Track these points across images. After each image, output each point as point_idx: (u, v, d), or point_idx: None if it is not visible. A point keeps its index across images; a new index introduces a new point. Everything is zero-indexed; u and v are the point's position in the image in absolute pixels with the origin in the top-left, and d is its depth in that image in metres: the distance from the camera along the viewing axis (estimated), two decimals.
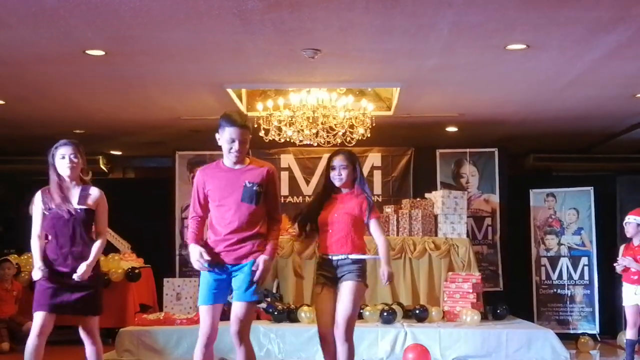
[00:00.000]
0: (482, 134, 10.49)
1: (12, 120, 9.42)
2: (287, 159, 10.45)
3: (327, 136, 8.42)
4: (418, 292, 8.95)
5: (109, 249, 9.65)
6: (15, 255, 9.54)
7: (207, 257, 4.43)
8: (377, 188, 10.39)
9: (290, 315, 8.13)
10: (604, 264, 9.22)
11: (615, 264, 7.26)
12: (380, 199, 10.29)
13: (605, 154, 11.48)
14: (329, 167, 5.17)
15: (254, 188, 4.48)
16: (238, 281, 4.51)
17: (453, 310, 8.44)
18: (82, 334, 5.08)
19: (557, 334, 7.93)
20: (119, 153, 12.46)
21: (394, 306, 8.32)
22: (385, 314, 8.08)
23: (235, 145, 4.46)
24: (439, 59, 6.69)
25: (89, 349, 5.08)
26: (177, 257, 10.36)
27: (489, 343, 7.73)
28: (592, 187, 9.77)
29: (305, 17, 5.54)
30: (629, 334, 7.30)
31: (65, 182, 5.01)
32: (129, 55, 6.60)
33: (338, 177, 5.08)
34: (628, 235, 7.25)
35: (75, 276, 4.88)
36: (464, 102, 8.69)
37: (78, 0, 5.12)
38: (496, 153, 10.42)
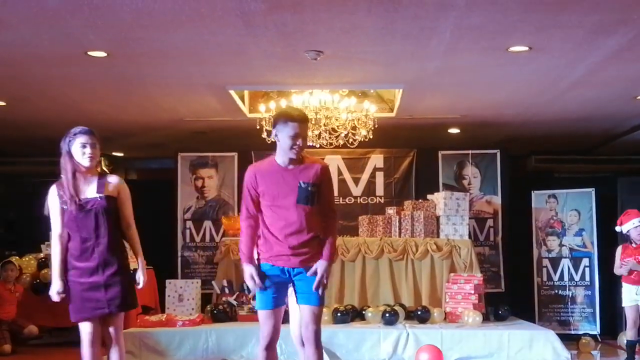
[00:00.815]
0: (484, 136, 10.49)
1: (13, 122, 9.40)
2: None
3: (330, 138, 8.43)
4: (420, 293, 8.94)
5: None
6: (17, 257, 9.42)
7: (259, 281, 4.35)
8: (380, 189, 10.42)
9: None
10: (604, 265, 9.22)
11: (622, 267, 7.26)
12: (382, 200, 10.32)
13: (607, 156, 11.48)
14: None
15: (309, 188, 4.39)
16: (303, 285, 4.40)
17: (455, 312, 8.44)
18: (107, 334, 4.76)
19: (558, 334, 7.94)
20: (121, 154, 12.44)
21: (396, 307, 8.32)
22: (387, 315, 8.08)
23: (300, 141, 4.44)
24: (441, 61, 6.70)
25: (114, 351, 4.76)
26: (179, 259, 10.39)
27: (490, 344, 7.74)
28: (594, 189, 9.76)
29: (307, 19, 5.54)
30: (629, 334, 7.33)
31: (81, 173, 4.66)
32: (131, 57, 6.60)
33: None
34: (637, 239, 7.24)
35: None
36: (466, 104, 8.70)
37: (80, 1, 5.11)
38: (498, 155, 10.44)
